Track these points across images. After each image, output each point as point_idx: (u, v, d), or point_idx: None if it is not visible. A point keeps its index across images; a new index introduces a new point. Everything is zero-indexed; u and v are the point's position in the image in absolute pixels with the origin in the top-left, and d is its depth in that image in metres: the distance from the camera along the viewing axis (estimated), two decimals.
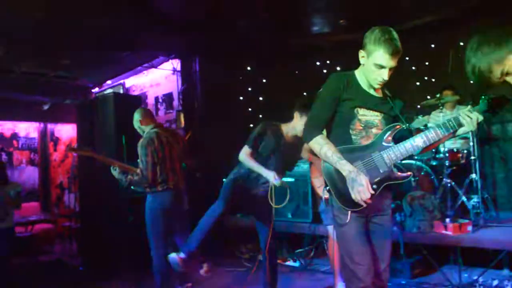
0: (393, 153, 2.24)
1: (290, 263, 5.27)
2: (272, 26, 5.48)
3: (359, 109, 2.31)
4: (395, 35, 2.22)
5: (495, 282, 3.86)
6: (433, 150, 4.81)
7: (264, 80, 6.78)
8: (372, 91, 2.36)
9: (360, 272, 2.25)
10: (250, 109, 6.83)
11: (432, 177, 4.83)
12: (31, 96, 7.42)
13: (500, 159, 5.39)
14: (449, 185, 4.65)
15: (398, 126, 2.30)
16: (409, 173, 2.30)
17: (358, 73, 2.39)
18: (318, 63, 6.69)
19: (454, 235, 4.11)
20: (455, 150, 4.82)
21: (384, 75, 2.23)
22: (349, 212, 2.26)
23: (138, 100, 6.08)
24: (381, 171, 2.25)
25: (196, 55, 6.21)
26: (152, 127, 4.00)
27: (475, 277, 4.01)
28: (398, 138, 2.29)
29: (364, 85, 2.35)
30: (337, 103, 2.32)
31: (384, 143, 2.27)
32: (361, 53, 2.30)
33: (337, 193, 2.30)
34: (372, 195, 2.16)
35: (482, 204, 4.53)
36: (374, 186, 2.21)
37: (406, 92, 6.05)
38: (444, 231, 4.19)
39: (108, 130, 5.45)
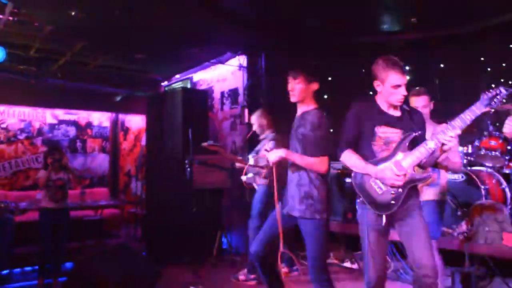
0: (410, 158, 2.56)
1: (348, 264, 5.23)
2: (342, 24, 5.43)
3: (379, 127, 2.66)
4: (396, 58, 2.66)
5: None
6: (506, 157, 4.58)
7: (329, 78, 6.73)
8: (391, 111, 2.71)
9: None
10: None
11: (504, 186, 4.58)
12: (105, 88, 7.84)
13: None
14: None
15: (411, 135, 2.62)
16: (428, 173, 2.64)
17: (378, 98, 2.75)
18: None
19: None
20: None
21: (403, 91, 2.61)
22: (384, 216, 2.59)
23: (205, 95, 6.29)
24: (408, 176, 2.55)
25: (262, 52, 6.28)
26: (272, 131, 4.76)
27: None
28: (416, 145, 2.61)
29: (383, 107, 2.71)
30: (361, 125, 2.69)
31: (402, 151, 2.60)
32: (376, 83, 2.69)
33: (369, 201, 2.62)
34: (399, 197, 2.54)
35: None
36: (400, 190, 2.55)
37: (477, 95, 5.77)
38: None
39: (176, 123, 5.67)
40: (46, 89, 7.36)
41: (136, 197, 8.46)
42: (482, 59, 5.75)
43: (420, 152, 2.55)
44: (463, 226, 4.28)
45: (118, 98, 8.17)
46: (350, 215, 5.28)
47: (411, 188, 2.60)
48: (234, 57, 6.41)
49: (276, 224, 2.89)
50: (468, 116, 2.44)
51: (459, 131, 2.45)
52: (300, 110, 3.00)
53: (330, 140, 2.87)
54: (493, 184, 4.60)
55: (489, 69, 5.74)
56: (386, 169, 2.56)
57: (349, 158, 2.68)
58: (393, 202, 2.57)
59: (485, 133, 4.72)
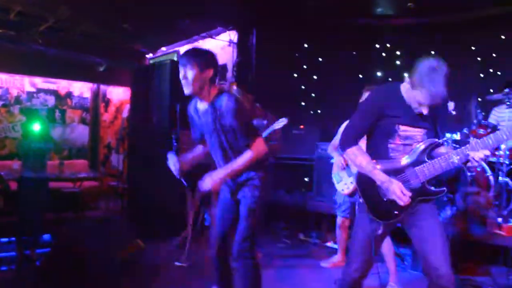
0: (427, 169, 2.28)
1: (330, 244, 5.28)
2: (337, 6, 5.35)
3: (401, 126, 2.35)
4: (445, 73, 2.22)
5: None
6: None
7: (320, 59, 6.69)
8: (418, 108, 2.34)
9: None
10: (303, 87, 6.79)
11: (488, 174, 4.67)
12: (88, 57, 7.60)
13: None
14: (505, 184, 4.51)
15: (434, 143, 2.34)
16: (443, 188, 2.32)
17: (404, 87, 2.37)
18: (377, 46, 6.52)
19: (507, 235, 4.00)
20: None
21: (424, 111, 2.31)
22: (382, 224, 2.39)
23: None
24: (414, 187, 2.31)
25: (254, 29, 6.17)
26: None
27: None
28: (435, 154, 2.34)
29: (410, 100, 2.34)
30: (380, 118, 2.36)
31: (419, 159, 2.32)
32: (414, 80, 2.25)
33: (371, 206, 2.42)
34: (404, 208, 2.30)
35: None
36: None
37: (467, 83, 5.83)
38: (497, 231, 4.08)
39: (163, 97, 5.54)
40: (25, 55, 7.08)
41: (116, 170, 8.32)
42: (473, 48, 5.78)
43: (441, 166, 2.26)
44: (448, 211, 4.36)
45: (102, 69, 7.92)
46: None
47: (420, 202, 2.34)
48: (225, 32, 6.29)
49: (227, 216, 2.83)
50: (503, 137, 2.19)
51: (489, 153, 2.19)
52: (203, 99, 2.68)
53: (249, 119, 2.71)
54: (478, 172, 4.68)
55: (479, 58, 5.79)
56: (394, 183, 2.28)
57: (356, 157, 2.38)
58: (396, 212, 2.36)
59: (474, 121, 4.78)
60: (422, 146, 2.34)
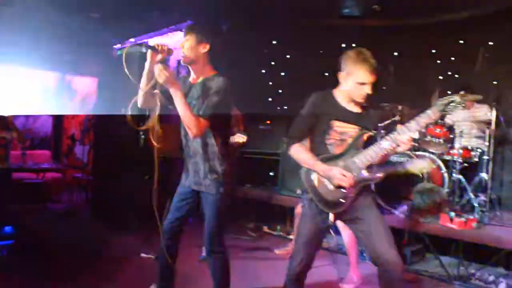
0: (364, 157, 2.50)
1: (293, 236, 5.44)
2: (306, 5, 5.47)
3: (335, 122, 2.59)
4: (369, 53, 2.52)
5: (491, 278, 4.02)
6: (448, 145, 4.92)
7: (288, 56, 6.82)
8: (349, 107, 2.62)
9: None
10: (271, 83, 6.90)
11: (443, 171, 4.94)
12: (51, 45, 7.42)
13: (510, 161, 5.50)
14: (458, 181, 4.80)
15: (366, 134, 2.59)
16: (380, 175, 2.54)
17: (336, 92, 2.65)
18: (343, 45, 6.70)
19: (458, 229, 4.26)
20: (469, 147, 4.92)
21: (367, 89, 2.52)
22: (331, 214, 2.55)
23: (165, 62, 6.14)
24: (355, 174, 2.50)
25: (223, 24, 6.22)
26: None
27: (473, 271, 4.17)
28: (370, 144, 2.55)
29: (342, 101, 2.62)
30: (316, 118, 2.61)
31: (355, 150, 2.56)
32: (341, 75, 2.58)
33: (318, 199, 2.57)
34: (348, 196, 2.51)
35: (488, 203, 4.68)
36: (350, 189, 2.50)
37: (426, 85, 6.11)
38: (449, 224, 4.34)
39: (132, 88, 5.51)
40: None
41: (81, 162, 8.19)
42: (433, 51, 6.05)
43: (374, 152, 2.49)
44: (404, 206, 4.60)
45: (67, 58, 7.75)
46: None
47: (362, 189, 2.56)
48: None
49: (184, 202, 2.86)
50: (423, 120, 2.43)
51: (413, 134, 2.42)
52: (196, 75, 2.77)
53: (226, 108, 2.71)
54: (434, 169, 4.95)
55: (438, 61, 6.07)
56: (334, 168, 2.49)
57: (298, 153, 2.60)
58: (342, 201, 2.54)
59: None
60: (355, 138, 2.58)
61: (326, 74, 6.80)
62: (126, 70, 2.60)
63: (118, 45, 7.87)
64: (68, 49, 7.60)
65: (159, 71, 2.48)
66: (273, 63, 6.95)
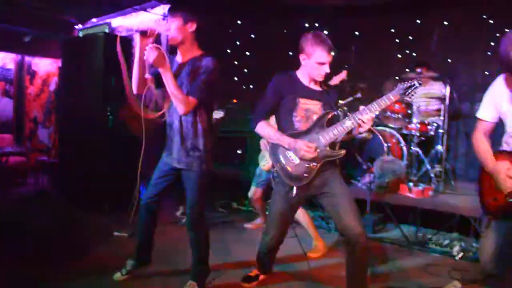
0: (327, 134, 2.66)
1: None
2: None
3: (300, 99, 2.73)
4: (325, 36, 2.69)
5: (446, 242, 4.34)
6: (406, 120, 5.19)
7: (252, 36, 6.89)
8: (311, 85, 2.78)
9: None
10: (236, 63, 6.98)
11: (402, 144, 5.22)
12: (11, 27, 7.20)
13: (464, 134, 5.85)
14: (416, 153, 5.09)
15: (330, 113, 2.72)
16: (343, 152, 2.72)
17: (298, 72, 2.82)
18: (306, 25, 6.84)
19: (416, 198, 4.56)
20: (426, 122, 5.19)
21: (326, 69, 2.67)
22: (294, 187, 2.70)
23: (130, 42, 6.08)
24: (319, 150, 2.65)
25: (188, 3, 6.20)
26: None
27: (430, 236, 4.49)
28: (334, 122, 2.71)
29: (304, 81, 2.78)
30: (281, 96, 2.75)
31: (320, 127, 2.69)
32: (302, 56, 2.72)
33: (284, 173, 2.72)
34: (312, 170, 2.65)
35: (444, 173, 5.00)
36: (313, 164, 2.66)
37: (388, 63, 6.36)
38: (408, 194, 4.63)
39: (96, 70, 5.46)
40: None
41: (44, 145, 8.06)
42: (392, 30, 6.27)
43: (338, 130, 2.64)
44: (367, 178, 4.85)
45: (28, 39, 7.52)
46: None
47: (325, 164, 2.70)
48: (159, 5, 6.25)
49: (163, 179, 2.97)
50: (384, 102, 2.57)
51: (374, 115, 2.58)
52: (183, 55, 2.85)
53: (214, 90, 2.79)
54: (393, 143, 5.22)
55: (397, 40, 6.30)
56: (299, 141, 2.63)
57: (264, 129, 2.75)
58: (306, 175, 2.67)
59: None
60: (320, 117, 2.72)
61: (291, 53, 6.95)
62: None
63: (80, 26, 7.73)
64: (28, 29, 7.39)
65: (150, 52, 2.52)
66: (238, 42, 7.01)
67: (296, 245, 3.33)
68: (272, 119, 2.92)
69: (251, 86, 7.15)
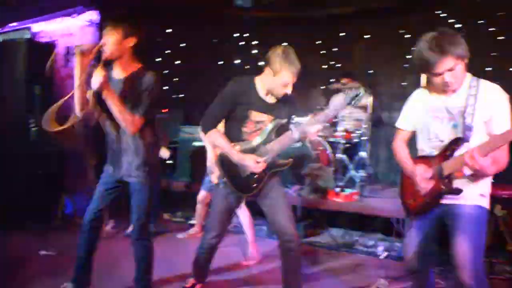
0: (276, 145, 2.74)
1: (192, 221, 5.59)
2: None
3: (252, 111, 2.76)
4: (294, 54, 2.66)
5: (371, 243, 4.63)
6: (332, 128, 5.47)
7: (182, 45, 6.88)
8: (267, 98, 2.79)
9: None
10: (165, 72, 6.91)
11: (328, 152, 5.48)
12: None
13: (384, 141, 6.28)
14: (342, 160, 5.38)
15: (279, 124, 2.80)
16: (289, 160, 2.83)
17: (258, 80, 2.79)
18: (236, 35, 6.97)
19: (343, 202, 4.81)
20: (350, 130, 5.50)
21: (289, 89, 2.71)
22: (244, 197, 2.85)
23: (53, 49, 5.81)
24: (267, 161, 2.74)
25: (117, 10, 6.06)
26: None
27: (356, 238, 4.76)
28: (282, 133, 2.78)
29: (261, 92, 2.78)
30: (234, 106, 2.74)
31: (268, 138, 2.77)
32: (268, 70, 2.69)
33: (233, 182, 2.79)
34: (262, 179, 2.76)
35: (367, 178, 5.32)
36: (264, 173, 2.74)
37: (313, 73, 6.65)
38: (335, 199, 4.87)
39: (18, 79, 5.16)
40: None
41: None
42: (318, 42, 6.58)
43: (286, 140, 2.72)
44: (297, 185, 5.04)
45: None
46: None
47: (272, 173, 2.81)
48: (86, 11, 6.04)
49: (109, 192, 2.92)
50: (331, 113, 2.69)
51: (321, 126, 2.64)
52: (122, 70, 2.74)
53: (157, 104, 2.79)
54: (321, 150, 5.46)
55: (322, 51, 6.62)
56: (248, 158, 2.69)
57: (215, 138, 2.78)
58: (255, 185, 2.78)
59: (318, 107, 5.53)
60: (270, 127, 2.79)
61: (221, 62, 7.04)
62: None
63: None
64: None
65: (95, 77, 2.47)
66: (167, 51, 6.96)
67: (232, 253, 3.39)
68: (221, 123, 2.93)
69: (181, 96, 7.13)
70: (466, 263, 2.19)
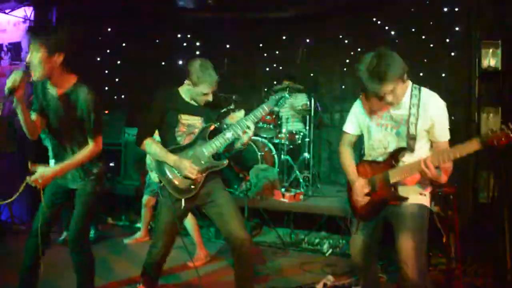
0: (210, 146, 2.82)
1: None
2: None
3: (182, 115, 2.84)
4: (212, 66, 2.79)
5: (316, 241, 4.76)
6: (276, 130, 5.57)
7: (124, 44, 6.70)
8: (192, 102, 2.88)
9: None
10: (106, 72, 6.70)
11: (274, 153, 5.58)
12: None
13: (326, 142, 6.48)
14: (286, 161, 5.49)
15: (212, 126, 2.89)
16: (225, 161, 2.89)
17: (181, 89, 2.90)
18: (179, 36, 6.89)
19: (289, 202, 4.92)
20: (293, 131, 5.62)
21: (209, 98, 2.82)
22: (183, 200, 2.80)
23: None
24: (203, 162, 2.82)
25: (53, 6, 5.79)
26: None
27: (302, 237, 4.88)
28: (215, 134, 2.87)
29: (186, 98, 2.87)
30: (164, 113, 2.82)
31: (203, 140, 2.85)
32: (188, 82, 2.79)
33: (170, 186, 2.81)
34: (198, 182, 2.79)
35: (311, 178, 5.47)
36: (200, 175, 2.78)
37: (256, 76, 6.74)
38: (281, 199, 4.96)
39: None
40: None
41: None
42: (261, 45, 6.67)
43: (220, 142, 2.81)
44: (243, 185, 5.08)
45: None
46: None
47: (210, 174, 2.84)
48: (20, 7, 5.71)
49: (58, 196, 2.81)
50: (259, 113, 2.82)
51: (251, 124, 2.78)
52: (57, 86, 2.57)
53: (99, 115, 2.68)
54: (266, 152, 5.55)
55: (265, 54, 6.73)
56: (183, 161, 2.75)
57: (150, 147, 2.83)
58: (192, 187, 2.80)
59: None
60: (202, 130, 2.86)
61: (163, 63, 6.94)
62: None
63: None
64: None
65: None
66: (108, 50, 6.75)
67: (179, 255, 3.36)
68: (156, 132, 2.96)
69: (122, 97, 6.94)
70: (409, 258, 2.33)
